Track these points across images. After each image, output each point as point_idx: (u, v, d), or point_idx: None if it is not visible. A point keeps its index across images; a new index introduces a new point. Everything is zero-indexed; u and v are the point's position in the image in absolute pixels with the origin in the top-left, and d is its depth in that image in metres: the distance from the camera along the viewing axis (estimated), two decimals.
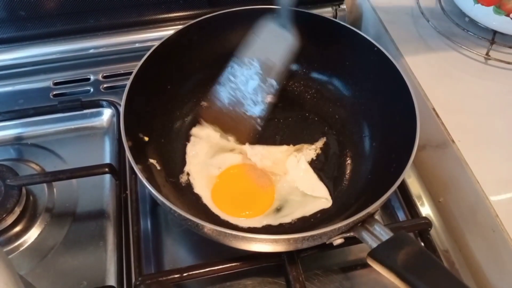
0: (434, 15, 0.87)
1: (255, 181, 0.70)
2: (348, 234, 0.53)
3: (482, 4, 0.78)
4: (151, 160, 0.67)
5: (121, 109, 0.62)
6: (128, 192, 0.71)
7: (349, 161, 0.73)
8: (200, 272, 0.60)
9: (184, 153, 0.75)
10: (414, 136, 0.59)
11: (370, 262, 0.51)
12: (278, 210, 0.68)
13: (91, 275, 0.66)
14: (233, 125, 0.72)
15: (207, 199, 0.70)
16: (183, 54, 0.76)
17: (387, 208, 0.73)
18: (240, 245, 0.55)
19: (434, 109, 0.74)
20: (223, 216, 0.68)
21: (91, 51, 0.92)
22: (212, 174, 0.72)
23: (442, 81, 0.78)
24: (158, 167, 0.68)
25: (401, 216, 0.71)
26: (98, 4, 0.88)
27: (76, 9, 0.87)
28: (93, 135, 0.83)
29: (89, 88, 0.89)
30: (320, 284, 0.64)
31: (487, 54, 0.79)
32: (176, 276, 0.59)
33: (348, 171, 0.72)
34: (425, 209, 0.72)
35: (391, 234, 0.51)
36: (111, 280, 0.65)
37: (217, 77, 0.72)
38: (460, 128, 0.71)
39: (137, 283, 0.59)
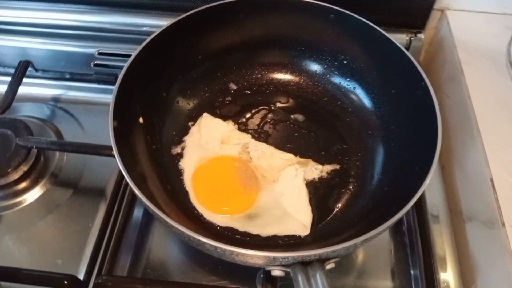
0: None
1: (241, 180, 0.66)
2: (286, 269, 0.49)
3: None
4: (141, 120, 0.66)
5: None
6: None
7: (347, 197, 0.67)
8: None
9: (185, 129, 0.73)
10: (414, 194, 0.52)
11: None
12: (252, 217, 0.64)
13: (68, 256, 0.65)
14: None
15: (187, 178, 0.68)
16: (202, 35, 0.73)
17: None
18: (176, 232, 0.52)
19: (491, 179, 0.62)
20: (193, 199, 0.66)
21: (145, 28, 0.89)
22: (204, 156, 0.69)
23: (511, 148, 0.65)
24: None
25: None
26: None
27: None
28: None
29: None
30: None
31: None
32: (138, 286, 0.55)
33: (342, 206, 0.66)
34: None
35: None
36: (84, 267, 0.62)
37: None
38: None
39: (98, 281, 0.56)
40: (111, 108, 0.55)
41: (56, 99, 0.83)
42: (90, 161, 0.74)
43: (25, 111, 0.81)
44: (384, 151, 0.69)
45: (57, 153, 0.75)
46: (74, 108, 0.82)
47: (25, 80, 0.81)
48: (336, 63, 0.76)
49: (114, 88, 0.58)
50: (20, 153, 0.70)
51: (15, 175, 0.70)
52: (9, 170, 0.69)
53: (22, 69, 0.79)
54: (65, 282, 0.56)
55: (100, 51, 0.87)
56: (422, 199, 0.68)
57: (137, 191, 0.49)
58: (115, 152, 0.52)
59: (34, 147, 0.70)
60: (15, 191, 0.71)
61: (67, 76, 0.83)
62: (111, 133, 0.53)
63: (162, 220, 0.48)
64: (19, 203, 0.70)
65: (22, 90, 0.80)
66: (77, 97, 0.83)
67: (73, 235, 0.67)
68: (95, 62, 0.86)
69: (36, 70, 0.83)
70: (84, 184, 0.72)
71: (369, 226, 0.51)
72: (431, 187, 0.71)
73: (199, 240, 0.46)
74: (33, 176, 0.72)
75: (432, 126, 0.58)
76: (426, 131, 0.60)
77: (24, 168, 0.71)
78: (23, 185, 0.71)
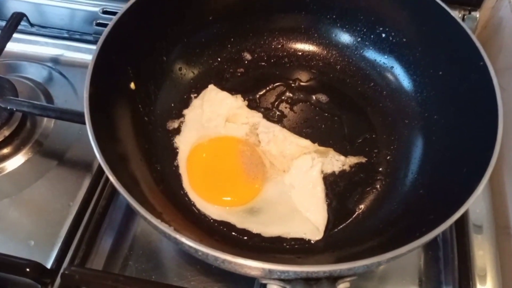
0: None
1: (244, 166, 0.58)
2: (285, 285, 0.42)
3: None
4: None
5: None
6: None
7: (373, 197, 0.59)
8: None
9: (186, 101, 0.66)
10: (460, 204, 0.42)
11: None
12: (253, 212, 0.56)
13: (42, 237, 0.59)
14: None
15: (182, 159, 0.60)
16: None
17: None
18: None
19: None
20: (186, 184, 0.58)
21: None
22: (204, 135, 0.62)
23: None
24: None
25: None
26: None
27: None
28: None
29: None
30: None
31: None
32: (109, 282, 0.48)
33: (365, 208, 0.58)
34: None
35: None
36: (54, 252, 0.55)
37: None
38: None
39: (65, 272, 0.49)
40: (89, 69, 0.46)
41: (51, 60, 0.76)
42: (81, 131, 0.67)
43: (18, 71, 0.75)
44: (423, 146, 0.60)
45: (45, 119, 0.68)
46: (69, 71, 0.75)
47: (19, 36, 0.75)
48: (372, 36, 0.67)
49: (97, 45, 0.48)
50: (0, 116, 0.64)
51: None
52: None
53: (15, 21, 0.72)
54: (28, 269, 0.49)
55: (104, 9, 0.79)
56: None
57: (104, 166, 0.39)
58: (87, 124, 0.42)
59: (14, 109, 0.63)
60: None
61: (65, 35, 0.76)
62: (85, 95, 0.44)
63: (132, 206, 0.39)
64: None
65: (15, 47, 0.75)
66: (74, 59, 0.77)
67: (51, 213, 0.61)
68: (98, 21, 0.79)
69: (32, 25, 0.76)
70: (70, 156, 0.66)
71: (397, 237, 0.46)
72: None
73: (175, 238, 0.37)
74: (16, 143, 0.66)
75: (490, 118, 0.48)
76: (480, 124, 0.50)
77: (5, 132, 0.65)
78: (3, 151, 0.66)
